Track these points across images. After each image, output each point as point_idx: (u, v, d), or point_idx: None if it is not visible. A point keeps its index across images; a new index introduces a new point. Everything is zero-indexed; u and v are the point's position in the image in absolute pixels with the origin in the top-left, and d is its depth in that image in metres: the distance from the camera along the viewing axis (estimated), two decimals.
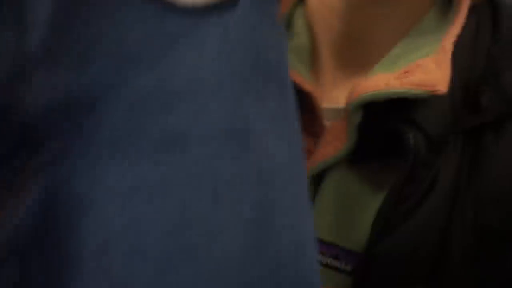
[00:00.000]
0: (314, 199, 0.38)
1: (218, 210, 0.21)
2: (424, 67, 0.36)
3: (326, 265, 0.36)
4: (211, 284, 0.19)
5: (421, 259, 0.35)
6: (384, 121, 0.37)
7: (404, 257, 0.35)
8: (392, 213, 0.36)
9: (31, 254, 0.21)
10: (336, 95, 0.41)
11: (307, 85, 0.39)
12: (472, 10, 0.38)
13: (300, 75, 0.40)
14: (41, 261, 0.21)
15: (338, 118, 0.39)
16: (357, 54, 0.41)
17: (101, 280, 0.20)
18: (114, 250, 0.19)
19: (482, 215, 0.35)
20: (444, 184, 0.36)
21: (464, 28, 0.37)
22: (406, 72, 0.36)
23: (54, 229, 0.20)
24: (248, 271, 0.20)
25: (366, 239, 0.36)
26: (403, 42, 0.39)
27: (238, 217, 0.21)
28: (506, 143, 0.36)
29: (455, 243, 0.35)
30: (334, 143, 0.38)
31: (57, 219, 0.20)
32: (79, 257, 0.20)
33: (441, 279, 0.35)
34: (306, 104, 0.39)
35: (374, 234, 0.36)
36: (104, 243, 0.20)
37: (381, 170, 0.38)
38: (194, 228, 0.20)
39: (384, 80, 0.36)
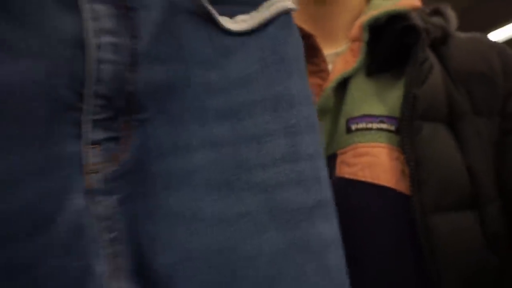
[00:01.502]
0: (345, 96, 0.53)
1: None
2: (403, 2, 0.55)
3: (377, 129, 0.50)
4: None
5: (439, 102, 0.51)
6: (388, 36, 0.52)
7: (429, 102, 0.50)
8: (412, 82, 0.50)
9: (135, 177, 0.30)
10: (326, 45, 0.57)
11: (308, 29, 0.56)
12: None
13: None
14: (140, 182, 0.30)
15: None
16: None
17: (185, 192, 0.29)
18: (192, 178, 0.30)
19: (460, 84, 0.53)
20: (436, 67, 0.53)
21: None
22: (395, 4, 0.55)
23: (149, 161, 0.30)
24: None
25: (398, 107, 0.50)
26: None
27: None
28: (453, 48, 0.56)
29: (458, 98, 0.52)
30: (351, 59, 0.53)
31: (150, 154, 0.30)
32: (167, 180, 0.30)
33: (454, 118, 0.51)
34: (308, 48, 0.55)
35: (407, 99, 0.50)
36: (187, 172, 0.30)
37: (391, 75, 0.54)
38: None
39: (382, 8, 0.55)
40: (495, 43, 0.58)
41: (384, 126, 0.50)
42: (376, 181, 0.48)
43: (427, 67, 0.51)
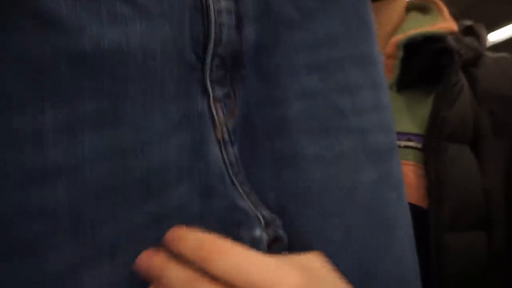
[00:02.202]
0: None
1: None
2: (441, 24, 0.56)
3: (405, 146, 0.51)
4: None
5: (467, 124, 0.52)
6: (422, 56, 0.53)
7: (456, 124, 0.50)
8: (442, 103, 0.51)
9: (243, 129, 0.34)
10: None
11: None
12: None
13: None
14: (246, 132, 0.33)
15: None
16: None
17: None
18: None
19: (484, 104, 0.54)
20: (466, 89, 0.53)
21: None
22: (432, 26, 0.56)
23: (251, 114, 0.33)
24: None
25: (425, 126, 0.51)
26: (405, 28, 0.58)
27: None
28: (481, 69, 0.55)
29: (481, 119, 0.53)
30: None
31: (251, 107, 0.34)
32: (268, 129, 0.33)
33: (476, 138, 0.52)
34: None
35: (433, 118, 0.51)
36: (286, 121, 0.33)
37: (421, 91, 0.55)
38: None
39: (420, 29, 0.55)
40: None
41: (411, 144, 0.51)
42: None
43: (458, 89, 0.52)
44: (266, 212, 0.32)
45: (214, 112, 0.31)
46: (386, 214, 0.34)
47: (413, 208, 0.49)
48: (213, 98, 0.31)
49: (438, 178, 0.49)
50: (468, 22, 0.60)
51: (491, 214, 0.51)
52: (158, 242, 0.28)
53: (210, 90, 0.31)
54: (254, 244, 0.30)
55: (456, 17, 0.59)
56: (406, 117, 0.53)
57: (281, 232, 0.32)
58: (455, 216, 0.49)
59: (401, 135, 0.52)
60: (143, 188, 0.28)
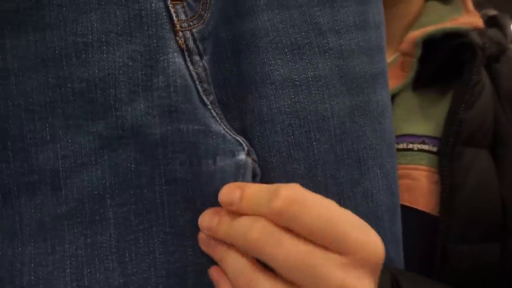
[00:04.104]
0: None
1: None
2: (463, 19, 0.51)
3: (418, 150, 0.47)
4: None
5: (486, 127, 0.47)
6: (441, 52, 0.49)
7: (475, 128, 0.46)
8: (459, 104, 0.46)
9: (212, 42, 0.29)
10: None
11: None
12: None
13: None
14: (212, 47, 0.29)
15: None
16: None
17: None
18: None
19: (508, 104, 0.49)
20: (487, 88, 0.49)
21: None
22: (453, 20, 0.51)
23: (217, 27, 0.29)
24: None
25: (442, 126, 0.47)
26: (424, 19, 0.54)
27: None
28: (505, 65, 0.51)
29: (502, 120, 0.48)
30: (400, 74, 0.50)
31: (217, 20, 0.29)
32: (235, 45, 0.29)
33: (497, 142, 0.48)
34: None
35: (449, 120, 0.46)
36: (254, 36, 0.29)
37: (437, 90, 0.51)
38: None
39: (440, 24, 0.51)
40: None
41: (425, 147, 0.47)
42: (414, 205, 0.46)
43: (478, 89, 0.48)
44: (244, 140, 0.28)
45: (173, 13, 0.27)
46: (358, 148, 0.31)
47: (426, 217, 0.45)
48: None
49: (451, 184, 0.45)
50: (492, 12, 0.55)
51: (508, 224, 0.47)
52: (113, 171, 0.25)
53: None
54: (240, 172, 0.26)
55: (479, 6, 0.54)
56: (421, 119, 0.49)
57: (257, 166, 0.29)
58: (465, 227, 0.46)
59: (415, 137, 0.48)
60: (85, 104, 0.24)
